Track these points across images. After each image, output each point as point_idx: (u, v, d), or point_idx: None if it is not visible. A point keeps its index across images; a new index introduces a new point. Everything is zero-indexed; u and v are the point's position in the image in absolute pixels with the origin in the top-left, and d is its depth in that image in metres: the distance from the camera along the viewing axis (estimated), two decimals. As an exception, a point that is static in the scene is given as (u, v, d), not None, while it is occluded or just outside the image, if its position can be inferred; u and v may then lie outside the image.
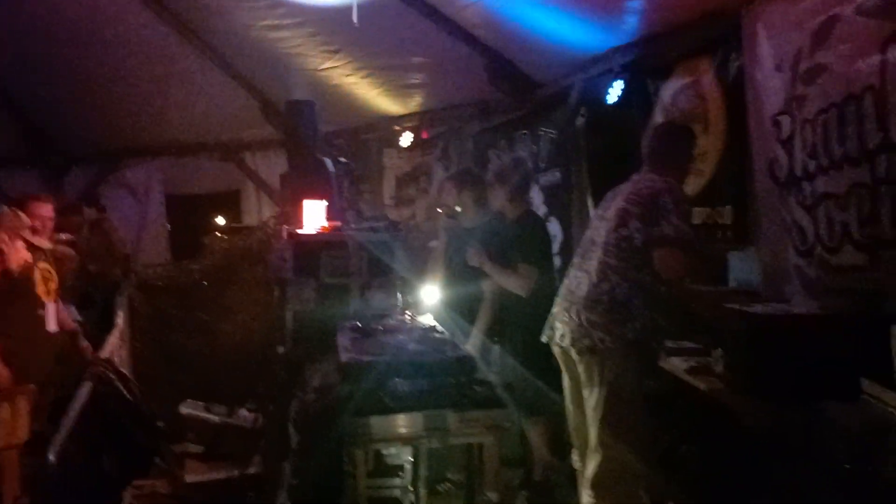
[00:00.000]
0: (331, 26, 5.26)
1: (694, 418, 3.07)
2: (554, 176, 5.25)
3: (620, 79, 4.37)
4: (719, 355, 2.95)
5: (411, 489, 3.08)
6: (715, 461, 2.85)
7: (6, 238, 2.96)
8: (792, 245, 3.23)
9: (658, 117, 4.30)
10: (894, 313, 2.43)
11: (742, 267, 3.78)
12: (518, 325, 3.52)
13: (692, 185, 3.99)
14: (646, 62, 4.27)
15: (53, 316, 3.55)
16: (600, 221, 3.09)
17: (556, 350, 2.97)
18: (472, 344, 3.88)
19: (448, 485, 3.77)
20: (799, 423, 2.36)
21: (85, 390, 2.96)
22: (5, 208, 2.97)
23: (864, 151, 2.69)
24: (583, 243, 3.17)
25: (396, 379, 2.31)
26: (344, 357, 2.50)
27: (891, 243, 2.57)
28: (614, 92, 4.41)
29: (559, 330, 2.91)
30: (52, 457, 2.33)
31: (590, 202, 4.87)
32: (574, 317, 2.85)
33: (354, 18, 4.72)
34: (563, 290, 3.05)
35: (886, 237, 2.59)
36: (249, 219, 7.30)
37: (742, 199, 3.62)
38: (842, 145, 2.82)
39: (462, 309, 3.89)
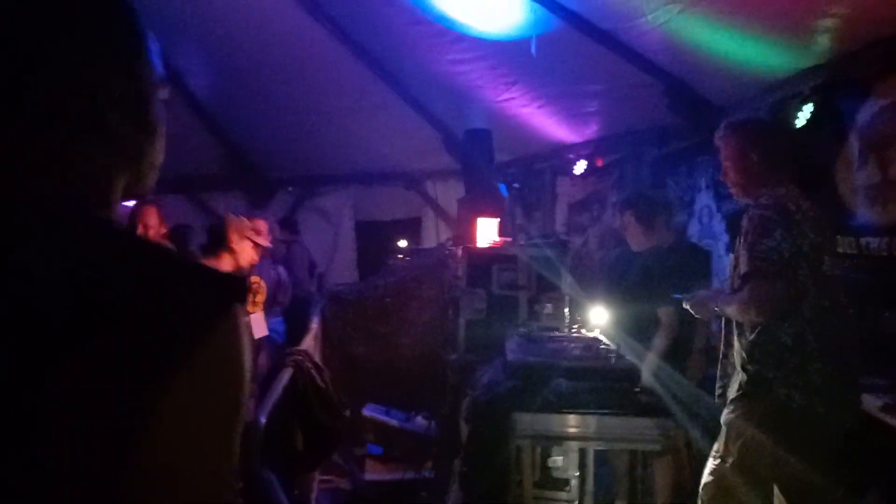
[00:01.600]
0: (509, 58, 5.49)
1: (887, 458, 2.83)
2: (736, 205, 5.06)
3: (810, 102, 4.17)
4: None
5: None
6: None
7: (235, 238, 3.23)
8: None
9: (853, 140, 4.05)
10: None
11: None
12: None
13: (890, 213, 3.71)
14: (837, 83, 4.04)
15: (260, 323, 4.02)
16: None
17: None
18: (646, 368, 3.85)
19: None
20: None
21: (286, 375, 3.31)
22: (230, 214, 3.35)
23: None
24: None
25: (560, 379, 2.39)
26: (511, 357, 2.63)
27: None
28: (803, 116, 4.22)
29: None
30: (262, 419, 2.64)
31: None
32: None
33: (533, 50, 4.93)
34: None
35: None
36: (429, 244, 7.71)
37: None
38: None
39: (633, 332, 3.86)
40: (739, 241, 2.61)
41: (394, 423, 4.41)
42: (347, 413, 3.71)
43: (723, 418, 2.57)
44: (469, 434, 2.52)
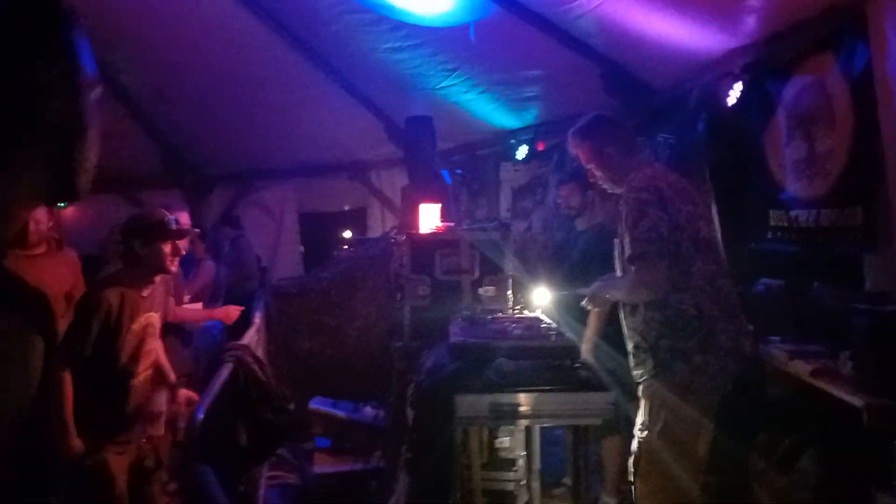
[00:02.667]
0: (448, 45, 5.49)
1: (818, 421, 2.95)
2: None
3: (740, 81, 4.28)
4: (847, 357, 2.83)
5: (524, 483, 3.14)
6: (838, 463, 2.73)
7: (163, 239, 3.20)
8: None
9: (780, 118, 4.18)
10: None
11: (874, 269, 3.59)
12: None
13: (817, 187, 3.85)
14: (766, 62, 4.16)
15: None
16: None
17: None
18: (585, 348, 3.92)
19: (563, 488, 3.80)
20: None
21: (225, 371, 3.25)
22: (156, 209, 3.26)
23: None
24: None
25: (502, 359, 2.41)
26: (453, 339, 2.63)
27: None
28: (734, 94, 4.33)
29: None
30: (199, 417, 2.59)
31: (713, 208, 4.77)
32: None
33: (472, 36, 4.93)
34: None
35: None
36: (374, 233, 7.67)
37: (873, 198, 3.44)
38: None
39: (574, 312, 3.92)
40: (622, 226, 2.71)
41: (341, 414, 4.39)
42: (292, 407, 3.67)
43: (642, 393, 2.65)
44: (414, 419, 2.53)
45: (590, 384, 2.41)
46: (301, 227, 8.13)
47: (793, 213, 4.05)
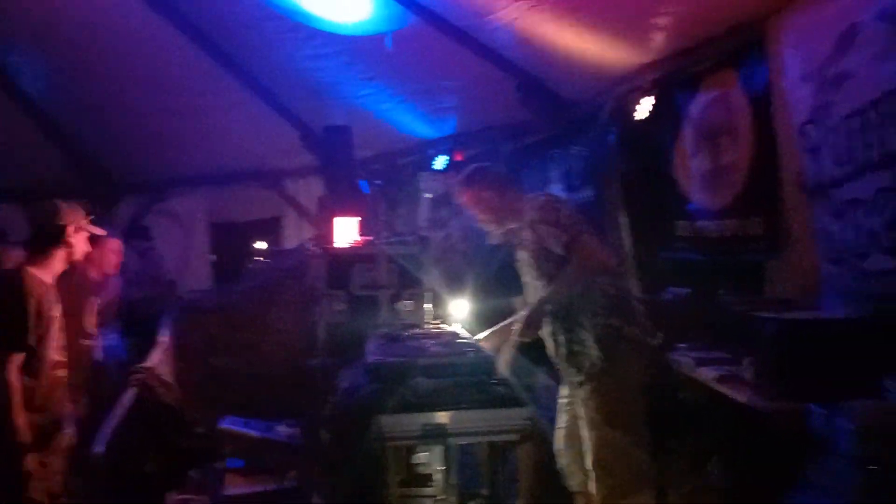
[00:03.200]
0: (366, 54, 5.44)
1: (724, 426, 3.05)
2: (587, 195, 5.29)
3: (650, 95, 4.42)
4: (749, 363, 2.94)
5: (442, 498, 3.11)
6: (746, 467, 2.83)
7: (71, 230, 3.04)
8: (823, 252, 3.22)
9: (687, 131, 4.33)
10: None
11: (776, 276, 3.76)
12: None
13: (722, 198, 4.01)
14: (674, 77, 4.31)
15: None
16: None
17: None
18: (502, 359, 3.93)
19: (480, 500, 3.79)
20: (826, 425, 2.35)
21: (129, 395, 3.08)
22: (65, 203, 3.09)
23: (888, 155, 2.68)
24: None
25: (419, 378, 2.37)
26: (370, 359, 2.58)
27: (918, 244, 2.55)
28: (644, 108, 4.46)
29: None
30: (99, 449, 2.43)
31: (623, 220, 4.90)
32: None
33: (389, 45, 4.90)
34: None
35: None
36: (290, 244, 7.48)
37: (773, 209, 3.61)
38: (867, 151, 2.82)
39: (493, 324, 3.94)
40: (529, 241, 3.02)
41: (254, 434, 4.24)
42: (201, 431, 3.51)
43: (590, 391, 2.84)
44: (329, 443, 2.45)
45: (507, 400, 2.41)
46: (212, 237, 7.85)
47: (699, 224, 4.21)
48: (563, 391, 3.10)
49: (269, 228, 7.87)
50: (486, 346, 3.10)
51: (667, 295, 4.31)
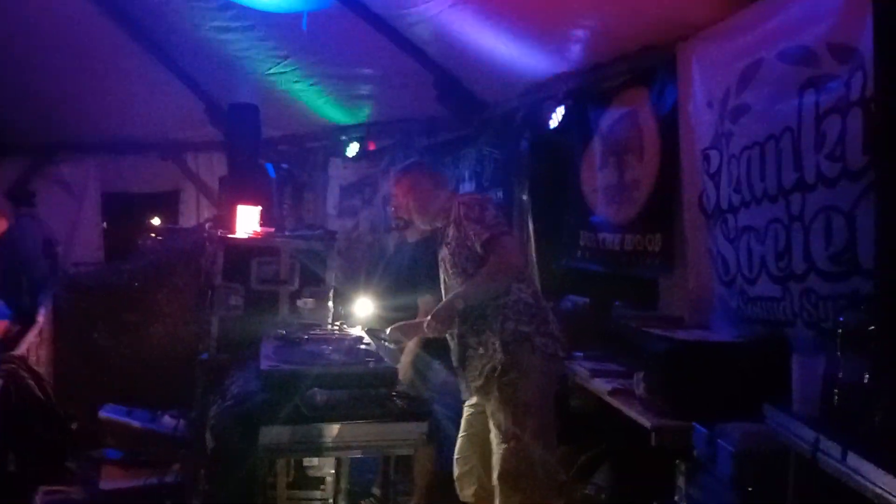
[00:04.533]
0: (281, 32, 5.23)
1: (613, 437, 3.15)
2: (497, 195, 5.33)
3: (563, 105, 4.48)
4: (640, 378, 3.03)
5: (332, 502, 3.06)
6: (628, 478, 2.94)
7: None
8: (716, 274, 3.36)
9: (596, 144, 4.43)
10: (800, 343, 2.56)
11: (671, 293, 3.91)
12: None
13: (625, 213, 4.13)
14: (587, 90, 4.39)
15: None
16: None
17: None
18: (405, 359, 3.90)
19: (372, 499, 3.76)
20: (708, 444, 2.45)
21: (-6, 389, 2.84)
22: None
23: (780, 189, 2.82)
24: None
25: (315, 388, 2.30)
26: (264, 365, 2.48)
27: (800, 277, 2.70)
28: (556, 117, 4.52)
29: None
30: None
31: (530, 223, 4.97)
32: None
33: (304, 26, 4.73)
34: None
35: (797, 271, 2.72)
36: (188, 221, 7.18)
37: (671, 227, 3.74)
38: (762, 182, 2.95)
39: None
40: (453, 238, 3.00)
41: (136, 424, 4.03)
42: (75, 426, 3.29)
43: (493, 401, 2.82)
44: (214, 450, 2.35)
45: (405, 414, 2.37)
46: (104, 207, 7.40)
47: (601, 236, 4.32)
48: (467, 397, 3.07)
49: (167, 202, 7.52)
50: (394, 338, 3.07)
51: (566, 303, 4.40)
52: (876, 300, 2.25)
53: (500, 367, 2.82)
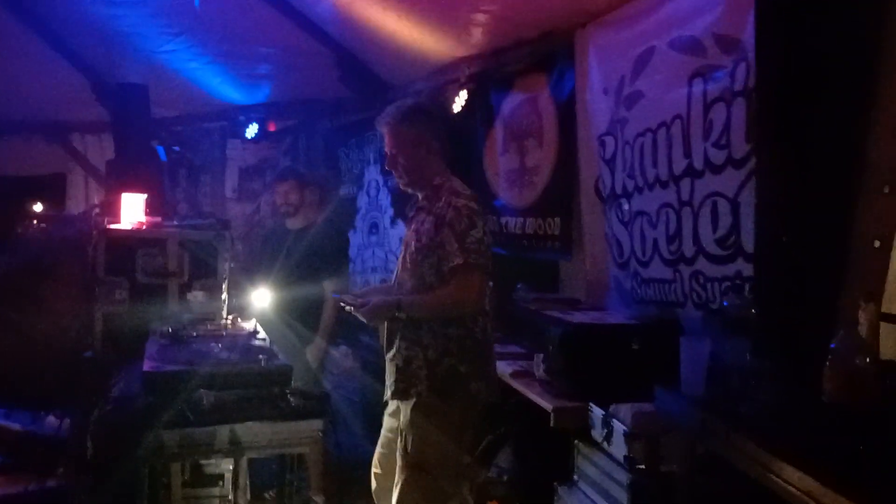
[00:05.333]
0: (172, 8, 4.98)
1: (515, 419, 3.20)
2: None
3: (465, 89, 4.46)
4: (540, 360, 3.08)
5: (230, 499, 2.97)
6: (529, 459, 2.99)
7: None
8: (611, 257, 3.45)
9: (499, 129, 4.44)
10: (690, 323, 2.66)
11: (569, 275, 4.00)
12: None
13: (525, 197, 4.17)
14: (490, 75, 4.39)
15: None
16: None
17: None
18: (311, 350, 3.82)
19: (271, 491, 3.68)
20: (603, 424, 2.52)
21: None
22: None
23: (671, 175, 2.91)
24: None
25: (202, 390, 2.20)
26: (147, 366, 2.35)
27: (689, 260, 2.80)
28: (460, 101, 4.51)
29: None
30: None
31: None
32: None
33: (196, 3, 4.51)
34: None
35: (687, 254, 2.82)
36: (77, 206, 6.76)
37: (570, 212, 3.81)
38: (654, 168, 3.04)
39: (298, 313, 3.80)
40: (425, 233, 2.60)
41: (16, 426, 3.78)
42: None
43: (404, 418, 2.54)
44: (94, 456, 2.21)
45: (299, 412, 2.30)
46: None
47: (503, 220, 4.36)
48: (388, 404, 2.74)
49: (52, 186, 7.03)
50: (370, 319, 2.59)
51: (470, 286, 4.41)
52: (756, 282, 2.37)
53: (423, 393, 2.52)
